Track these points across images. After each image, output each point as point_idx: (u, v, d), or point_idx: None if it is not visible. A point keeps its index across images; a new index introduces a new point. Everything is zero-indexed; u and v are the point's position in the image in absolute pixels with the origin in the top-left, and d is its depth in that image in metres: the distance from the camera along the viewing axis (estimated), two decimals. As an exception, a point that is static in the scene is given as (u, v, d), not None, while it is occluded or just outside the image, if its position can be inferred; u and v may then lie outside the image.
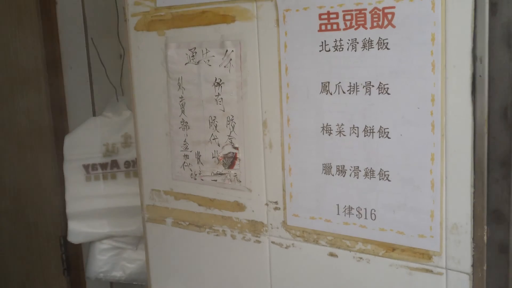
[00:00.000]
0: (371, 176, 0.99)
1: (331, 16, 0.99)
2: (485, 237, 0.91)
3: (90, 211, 1.66)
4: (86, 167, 1.67)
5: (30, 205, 2.21)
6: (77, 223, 1.66)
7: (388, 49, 0.94)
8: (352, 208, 1.02)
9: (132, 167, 1.66)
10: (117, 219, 1.66)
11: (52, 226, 2.17)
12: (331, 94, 1.02)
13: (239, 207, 1.17)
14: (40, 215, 2.21)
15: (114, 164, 1.67)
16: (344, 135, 1.01)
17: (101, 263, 1.68)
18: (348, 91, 1.00)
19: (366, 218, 1.00)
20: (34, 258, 2.26)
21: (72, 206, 1.67)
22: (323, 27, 1.00)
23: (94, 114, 1.93)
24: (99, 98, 1.96)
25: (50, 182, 2.13)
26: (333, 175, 1.04)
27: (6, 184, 2.27)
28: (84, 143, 1.69)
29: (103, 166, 1.67)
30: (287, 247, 1.11)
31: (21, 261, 2.29)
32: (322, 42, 1.01)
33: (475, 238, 0.91)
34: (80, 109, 1.98)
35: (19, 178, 2.21)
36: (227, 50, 1.14)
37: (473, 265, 0.92)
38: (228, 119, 1.16)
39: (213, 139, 1.19)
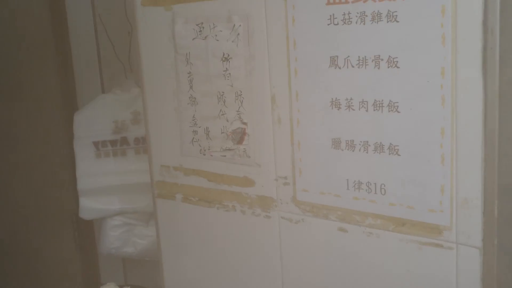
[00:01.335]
0: (381, 151, 0.98)
1: (340, -12, 0.98)
2: (495, 211, 0.90)
3: (101, 187, 1.67)
4: (96, 144, 1.67)
5: (42, 182, 2.23)
6: (88, 200, 1.67)
7: (397, 21, 0.93)
8: (361, 183, 1.02)
9: (142, 144, 1.66)
10: (127, 196, 1.67)
11: (64, 203, 2.18)
12: (339, 68, 1.01)
13: (249, 182, 1.17)
14: (52, 193, 2.23)
15: (124, 141, 1.67)
16: (353, 110, 1.00)
17: (112, 239, 1.70)
18: (357, 65, 0.98)
19: (375, 193, 1.00)
20: (47, 235, 2.28)
21: (83, 182, 1.68)
22: (331, 0, 0.99)
23: (103, 92, 1.93)
24: (108, 75, 1.96)
25: (61, 159, 2.14)
26: (342, 150, 1.03)
27: (19, 162, 2.29)
28: (93, 120, 1.69)
29: (113, 143, 1.67)
30: (296, 222, 1.11)
31: (35, 239, 2.32)
32: (331, 16, 0.99)
33: (486, 212, 0.91)
34: (89, 86, 1.98)
35: (31, 155, 2.23)
36: (234, 25, 1.13)
37: (483, 240, 0.91)
38: (236, 94, 1.16)
39: (222, 115, 1.19)
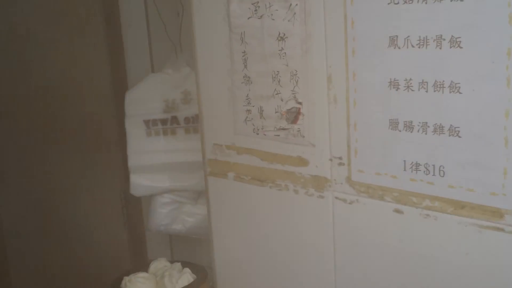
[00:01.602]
0: (440, 132, 0.97)
1: (402, -34, 0.96)
2: (559, 196, 0.89)
3: (151, 165, 1.69)
4: (146, 122, 1.69)
5: (92, 159, 2.27)
6: (138, 177, 1.70)
7: (461, 0, 0.91)
8: (419, 165, 1.01)
9: (192, 123, 1.68)
10: (177, 174, 1.69)
11: (113, 180, 2.23)
12: (399, 48, 0.99)
13: (302, 162, 1.17)
14: (102, 170, 2.27)
15: (174, 120, 1.69)
16: (412, 90, 0.99)
17: (161, 216, 1.72)
18: (417, 45, 0.97)
19: (434, 175, 0.99)
20: (96, 211, 2.34)
21: (133, 160, 1.70)
22: (393, -21, 0.97)
23: (152, 71, 1.95)
24: (158, 55, 1.97)
25: (111, 137, 2.18)
26: (400, 131, 1.02)
27: (69, 140, 2.34)
28: (144, 99, 1.71)
29: (163, 121, 1.69)
30: (351, 202, 1.11)
31: (84, 215, 2.37)
32: (392, -6, 0.98)
33: (549, 197, 0.89)
34: (139, 66, 2.01)
35: (81, 133, 2.28)
36: (291, 4, 1.12)
37: (545, 224, 0.90)
38: (291, 74, 1.16)
39: (276, 94, 1.19)
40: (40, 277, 2.62)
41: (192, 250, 1.99)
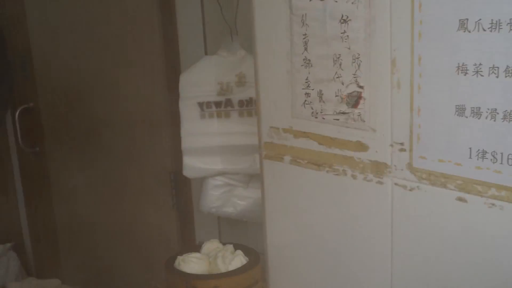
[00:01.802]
0: (510, 120, 0.94)
1: None
2: None
3: (204, 147, 1.70)
4: (201, 104, 1.70)
5: (143, 140, 2.30)
6: (191, 159, 1.71)
7: (538, -18, 0.87)
8: (486, 152, 0.98)
9: (246, 107, 1.68)
10: (229, 157, 1.70)
11: (162, 162, 2.25)
12: (469, 32, 0.96)
13: (362, 147, 1.16)
14: (151, 152, 2.30)
15: (228, 102, 1.69)
16: (482, 76, 0.96)
17: (213, 198, 1.73)
18: (489, 28, 0.94)
19: (501, 163, 0.96)
20: (145, 193, 2.37)
21: (187, 141, 1.72)
22: (466, -41, 0.94)
23: (205, 54, 1.95)
24: (211, 37, 1.98)
25: (162, 118, 2.20)
26: (466, 117, 0.99)
27: (122, 121, 2.37)
28: (199, 81, 1.72)
29: (217, 104, 1.69)
30: (411, 189, 1.09)
31: (134, 196, 2.41)
32: (464, -24, 0.95)
33: None
34: (192, 48, 2.01)
35: (134, 114, 2.31)
36: (355, -14, 1.10)
37: None
38: (353, 57, 1.14)
39: (337, 78, 1.17)
40: (89, 258, 2.68)
41: (240, 233, 2.00)
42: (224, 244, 1.47)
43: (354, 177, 1.19)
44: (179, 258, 1.40)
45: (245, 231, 1.99)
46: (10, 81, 1.17)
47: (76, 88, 2.53)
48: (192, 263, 1.37)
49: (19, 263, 2.93)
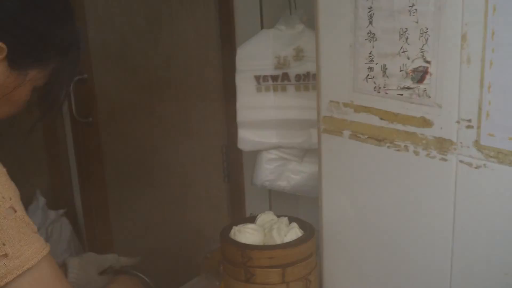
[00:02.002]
0: None
1: None
2: None
3: (260, 121, 1.71)
4: (257, 78, 1.70)
5: (196, 112, 2.33)
6: (246, 131, 1.72)
7: None
8: (560, 131, 0.95)
9: (303, 81, 1.67)
10: (285, 131, 1.70)
11: (215, 134, 2.27)
12: (547, 6, 0.93)
13: (426, 123, 1.14)
14: (204, 125, 2.32)
15: (285, 76, 1.68)
16: (559, 52, 0.93)
17: (267, 172, 1.74)
18: None
19: None
20: (197, 165, 2.40)
21: (242, 114, 1.72)
22: None
23: (261, 28, 1.95)
24: (268, 11, 1.97)
25: (215, 91, 2.21)
26: (540, 95, 0.97)
27: (176, 93, 2.40)
28: (256, 55, 1.72)
29: (274, 78, 1.69)
30: (477, 167, 1.07)
31: (184, 168, 2.44)
32: None
33: None
34: (248, 22, 2.01)
35: (187, 85, 2.33)
36: (426, -43, 1.08)
37: None
38: (421, 32, 1.12)
39: (403, 52, 1.15)
40: (139, 228, 2.74)
41: (290, 207, 2.00)
42: (278, 216, 1.48)
43: (416, 153, 1.17)
44: (235, 228, 1.42)
45: (295, 206, 1.99)
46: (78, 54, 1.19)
47: (130, 60, 2.57)
48: (247, 234, 1.39)
49: (71, 229, 3.02)
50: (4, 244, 1.05)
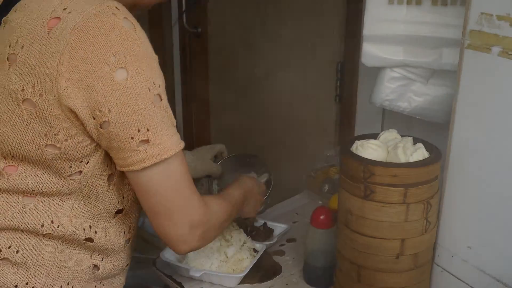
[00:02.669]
0: None
1: None
2: None
3: (388, 35, 1.60)
4: (391, -11, 1.58)
5: (309, 27, 2.24)
6: (372, 46, 1.62)
7: None
8: None
9: (443, -6, 1.54)
10: (413, 48, 1.59)
11: (330, 50, 2.19)
12: None
13: None
14: (319, 39, 2.24)
15: (421, -12, 1.56)
16: None
17: (388, 90, 1.65)
18: None
19: None
20: (308, 82, 2.34)
21: (370, 28, 1.62)
22: None
23: None
24: None
25: (335, 6, 2.11)
26: None
27: (286, 5, 2.32)
28: (389, -37, 1.59)
29: (410, -11, 1.57)
30: None
31: (294, 83, 2.39)
32: None
33: None
34: None
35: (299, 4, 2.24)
36: None
37: None
38: None
39: None
40: (238, 141, 2.74)
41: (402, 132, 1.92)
42: (402, 136, 1.41)
43: None
44: (357, 143, 1.36)
45: (409, 129, 1.90)
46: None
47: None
48: (370, 149, 1.33)
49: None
50: (148, 130, 1.05)
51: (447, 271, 1.42)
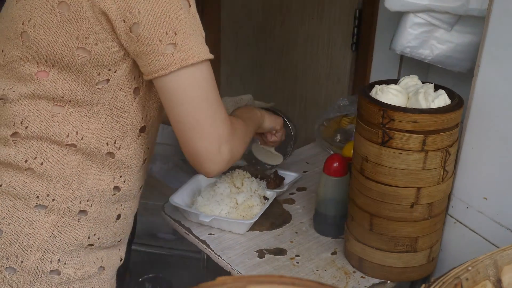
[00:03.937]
0: None
1: None
2: None
3: (412, -22, 1.53)
4: None
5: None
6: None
7: None
8: None
9: None
10: (439, -8, 1.52)
11: (349, -3, 2.12)
12: None
13: None
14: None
15: None
16: None
17: (410, 37, 1.59)
18: None
19: None
20: (324, 29, 2.27)
21: (394, -30, 1.55)
22: None
23: None
24: None
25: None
26: None
27: None
28: None
29: None
30: None
31: (309, 31, 2.32)
32: None
33: None
34: None
35: None
36: None
37: None
38: None
39: None
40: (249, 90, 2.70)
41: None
42: (423, 82, 1.36)
43: None
44: (377, 87, 1.31)
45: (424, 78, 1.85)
46: None
47: None
48: (390, 94, 1.28)
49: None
50: (175, 34, 1.06)
51: (460, 223, 1.39)
